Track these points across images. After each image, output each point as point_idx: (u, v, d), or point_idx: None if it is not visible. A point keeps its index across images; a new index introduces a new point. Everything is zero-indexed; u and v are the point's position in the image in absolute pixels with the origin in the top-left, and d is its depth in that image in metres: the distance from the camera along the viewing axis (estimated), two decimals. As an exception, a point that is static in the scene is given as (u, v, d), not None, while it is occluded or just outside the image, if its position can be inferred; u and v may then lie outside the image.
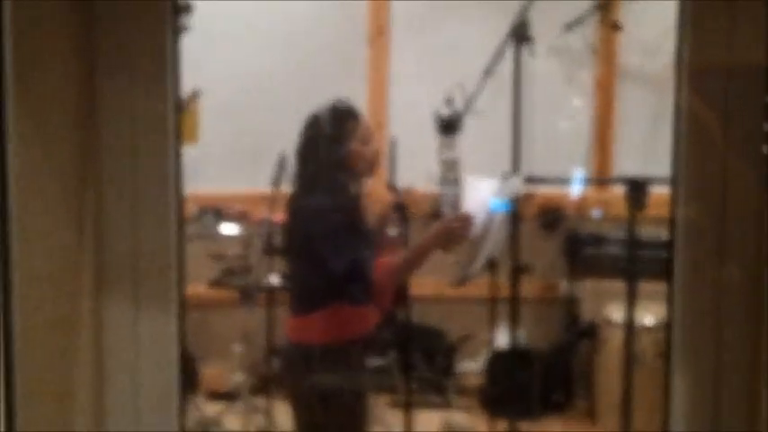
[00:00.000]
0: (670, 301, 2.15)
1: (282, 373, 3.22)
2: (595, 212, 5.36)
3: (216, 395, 5.10)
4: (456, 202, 3.44)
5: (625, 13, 5.38)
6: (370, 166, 3.02)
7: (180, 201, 2.18)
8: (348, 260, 2.81)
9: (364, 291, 2.90)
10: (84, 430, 2.06)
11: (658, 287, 4.30)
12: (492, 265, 3.62)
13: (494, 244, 3.31)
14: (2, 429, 1.61)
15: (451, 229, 2.70)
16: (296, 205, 3.08)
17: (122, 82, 2.07)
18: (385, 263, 2.84)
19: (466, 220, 2.66)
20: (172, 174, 2.14)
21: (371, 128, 3.07)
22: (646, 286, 3.52)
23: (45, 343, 1.89)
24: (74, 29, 1.99)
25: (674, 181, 2.12)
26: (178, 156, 2.16)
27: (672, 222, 2.12)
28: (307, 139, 3.01)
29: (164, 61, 2.09)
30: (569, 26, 5.32)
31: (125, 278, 2.13)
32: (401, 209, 3.46)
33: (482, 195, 3.25)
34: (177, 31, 2.18)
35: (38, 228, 1.83)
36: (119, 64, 2.06)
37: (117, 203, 2.11)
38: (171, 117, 2.13)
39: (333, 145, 2.96)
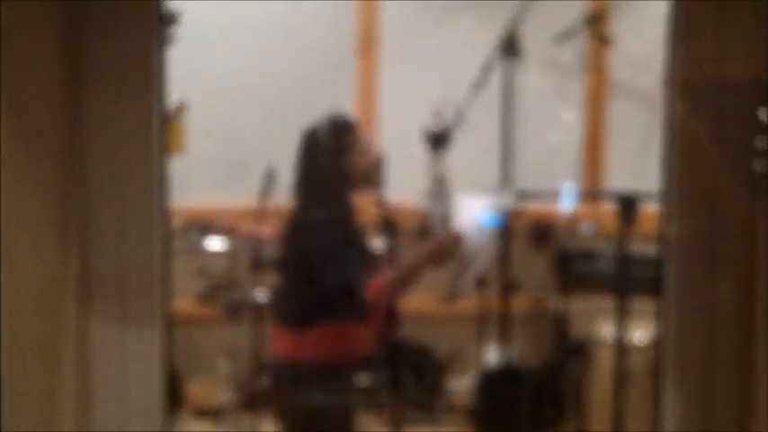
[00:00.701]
0: (661, 317, 2.17)
1: (272, 390, 3.21)
2: (586, 228, 5.36)
3: (202, 412, 5.07)
4: (446, 218, 3.44)
5: (615, 28, 5.37)
6: (371, 178, 3.07)
7: (166, 215, 2.19)
8: (346, 278, 2.85)
9: (360, 310, 2.93)
10: None
11: (648, 304, 4.34)
12: (482, 282, 3.60)
13: (483, 260, 3.33)
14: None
15: (442, 248, 2.71)
16: (296, 220, 3.09)
17: (107, 94, 2.07)
18: (376, 282, 2.85)
19: (456, 239, 2.67)
20: (157, 188, 2.13)
21: (370, 139, 3.11)
22: (636, 303, 3.56)
23: (30, 359, 1.89)
24: (59, 39, 2.00)
25: (664, 196, 2.14)
26: (164, 169, 2.16)
27: (662, 238, 2.14)
28: (305, 154, 3.04)
29: (149, 73, 2.10)
30: (559, 39, 5.36)
31: (110, 294, 2.13)
32: (390, 224, 3.49)
33: (473, 212, 3.25)
34: (164, 42, 2.18)
35: (22, 244, 1.83)
36: (104, 75, 2.06)
37: (101, 218, 2.11)
38: (156, 129, 2.12)
39: (333, 159, 3.00)
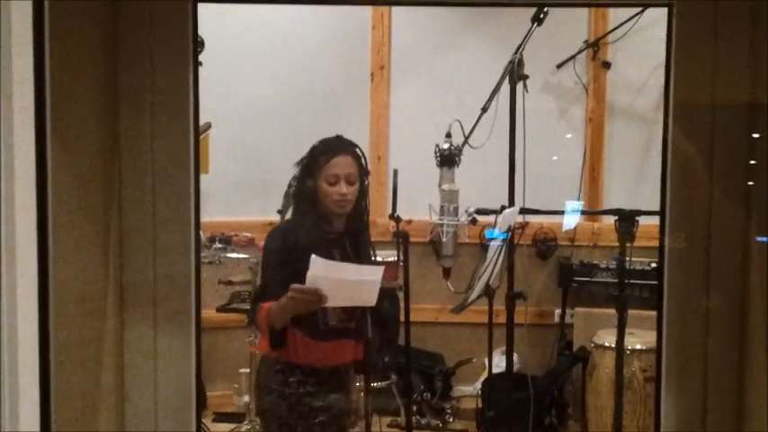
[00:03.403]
0: (659, 326, 2.18)
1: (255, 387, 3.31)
2: (588, 242, 5.50)
3: (222, 416, 5.21)
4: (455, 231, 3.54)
5: (614, 53, 5.55)
6: (336, 207, 3.00)
7: (198, 227, 2.24)
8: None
9: (323, 326, 2.98)
10: None
11: (646, 314, 4.45)
12: (489, 293, 3.66)
13: (491, 272, 3.39)
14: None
15: (303, 299, 2.70)
16: (272, 230, 3.17)
17: (145, 114, 2.14)
18: (263, 307, 2.86)
19: (314, 294, 2.71)
20: (191, 202, 2.20)
21: (352, 172, 3.00)
22: (634, 313, 3.57)
23: (74, 359, 1.93)
24: (100, 64, 2.06)
25: (662, 212, 2.16)
26: (197, 184, 2.22)
27: (660, 252, 2.16)
28: (298, 167, 3.07)
29: (185, 94, 2.16)
30: (561, 65, 5.53)
31: (146, 301, 2.19)
32: (403, 237, 3.59)
33: (509, 220, 3.34)
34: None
35: (68, 254, 1.88)
36: (142, 97, 2.13)
37: (139, 231, 2.17)
38: (191, 147, 2.19)
39: (305, 177, 3.02)
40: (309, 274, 2.64)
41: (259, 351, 3.22)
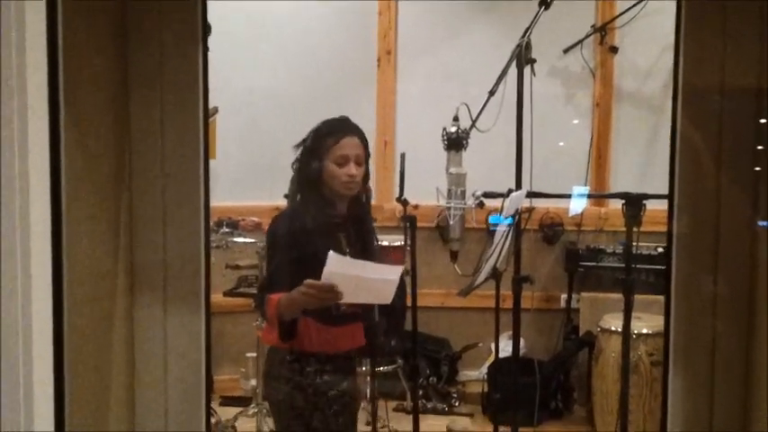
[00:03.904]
0: (667, 310, 2.18)
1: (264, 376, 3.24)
2: (595, 227, 5.51)
3: (229, 399, 5.24)
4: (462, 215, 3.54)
5: (621, 37, 5.55)
6: (344, 189, 2.95)
7: (208, 210, 2.24)
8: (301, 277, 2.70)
9: (335, 312, 2.87)
10: (116, 416, 2.15)
11: (652, 299, 4.46)
12: (496, 276, 3.65)
13: (498, 255, 3.39)
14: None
15: (317, 296, 2.64)
16: (275, 217, 3.09)
17: (155, 98, 2.15)
18: (272, 299, 2.79)
19: (330, 291, 2.64)
20: (201, 185, 2.21)
21: (360, 153, 2.96)
22: (640, 298, 3.59)
23: (86, 338, 1.96)
24: (109, 48, 2.08)
25: (670, 197, 2.17)
26: (207, 167, 2.23)
27: (668, 236, 2.17)
28: (298, 150, 3.01)
29: (195, 77, 2.17)
30: (568, 49, 5.52)
31: (156, 282, 2.21)
32: (410, 221, 3.58)
33: (518, 203, 3.33)
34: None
35: (80, 238, 1.90)
36: (151, 81, 2.15)
37: (149, 212, 2.19)
38: (201, 131, 2.20)
39: (310, 159, 2.95)
40: (326, 270, 2.59)
41: (265, 342, 3.14)
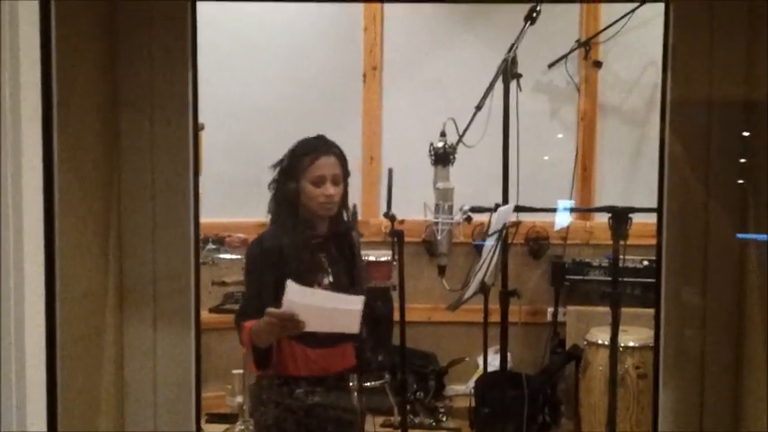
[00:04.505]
0: (657, 323, 2.19)
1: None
2: (581, 240, 5.53)
3: (216, 416, 5.20)
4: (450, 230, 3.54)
5: (605, 52, 5.57)
6: (321, 209, 2.91)
7: (197, 227, 2.24)
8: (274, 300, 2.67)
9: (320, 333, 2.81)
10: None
11: (638, 312, 4.48)
12: (484, 291, 3.66)
13: (487, 269, 3.39)
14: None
15: (278, 324, 2.61)
16: (253, 240, 3.06)
17: (144, 113, 2.15)
18: (246, 327, 2.76)
19: (290, 319, 2.61)
20: (191, 202, 2.22)
21: (337, 173, 2.93)
22: (626, 311, 3.60)
23: (77, 355, 1.96)
24: (99, 66, 2.08)
25: (658, 210, 2.18)
26: (197, 184, 2.24)
27: (657, 249, 2.17)
28: (276, 169, 2.98)
29: (185, 92, 2.18)
30: (553, 64, 5.54)
31: (146, 298, 2.21)
32: (398, 236, 3.58)
33: (505, 218, 3.34)
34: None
35: (71, 255, 1.90)
36: (140, 98, 2.15)
37: (139, 228, 2.19)
38: (190, 147, 2.20)
39: (287, 180, 2.92)
40: (285, 299, 2.57)
41: (252, 371, 3.08)
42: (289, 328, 2.63)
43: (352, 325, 2.72)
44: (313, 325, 2.64)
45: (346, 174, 2.99)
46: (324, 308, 2.67)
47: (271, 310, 2.60)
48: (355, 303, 2.70)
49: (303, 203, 2.90)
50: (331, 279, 2.96)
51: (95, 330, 2.10)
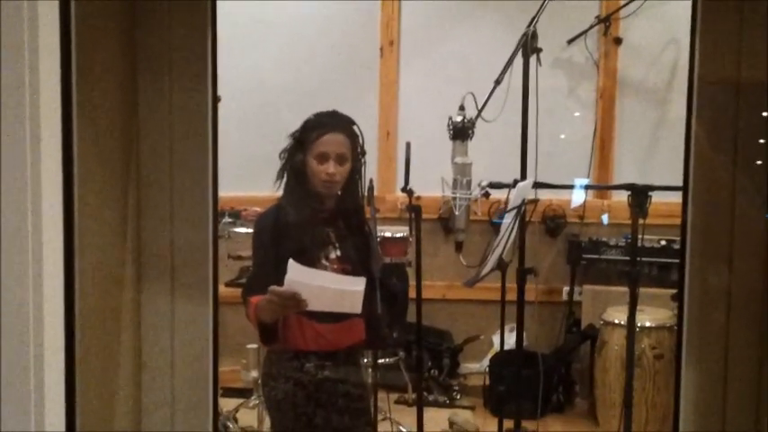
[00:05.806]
0: (680, 303, 2.15)
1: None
2: (597, 219, 5.49)
3: (231, 391, 5.20)
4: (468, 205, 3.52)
5: (625, 28, 5.52)
6: (323, 187, 2.87)
7: (216, 198, 2.23)
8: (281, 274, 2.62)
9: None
10: (123, 403, 2.14)
11: (655, 292, 4.46)
12: (502, 268, 3.63)
13: (505, 245, 3.37)
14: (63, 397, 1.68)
15: (279, 303, 2.59)
16: (260, 213, 3.04)
17: (163, 86, 2.12)
18: (252, 302, 2.74)
19: (292, 298, 2.58)
20: (210, 171, 2.21)
21: (343, 152, 2.86)
22: (643, 291, 3.56)
23: (94, 329, 1.95)
24: (119, 36, 2.06)
25: (684, 189, 2.13)
26: (216, 157, 2.23)
27: (682, 229, 2.13)
28: (290, 138, 2.95)
29: (204, 61, 2.14)
30: (572, 40, 5.49)
31: (164, 271, 2.19)
32: (415, 211, 3.57)
33: (525, 193, 3.31)
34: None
35: (90, 227, 1.89)
36: (160, 68, 2.12)
37: (156, 200, 2.17)
38: (210, 118, 2.19)
39: (296, 151, 2.90)
40: (287, 278, 2.54)
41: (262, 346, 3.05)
42: (290, 307, 2.62)
43: (356, 306, 2.69)
44: (315, 304, 2.63)
45: (357, 152, 2.93)
46: (326, 288, 2.65)
47: (273, 288, 2.57)
48: (358, 284, 2.68)
49: (308, 178, 2.88)
50: (338, 253, 2.93)
51: (113, 303, 2.09)
